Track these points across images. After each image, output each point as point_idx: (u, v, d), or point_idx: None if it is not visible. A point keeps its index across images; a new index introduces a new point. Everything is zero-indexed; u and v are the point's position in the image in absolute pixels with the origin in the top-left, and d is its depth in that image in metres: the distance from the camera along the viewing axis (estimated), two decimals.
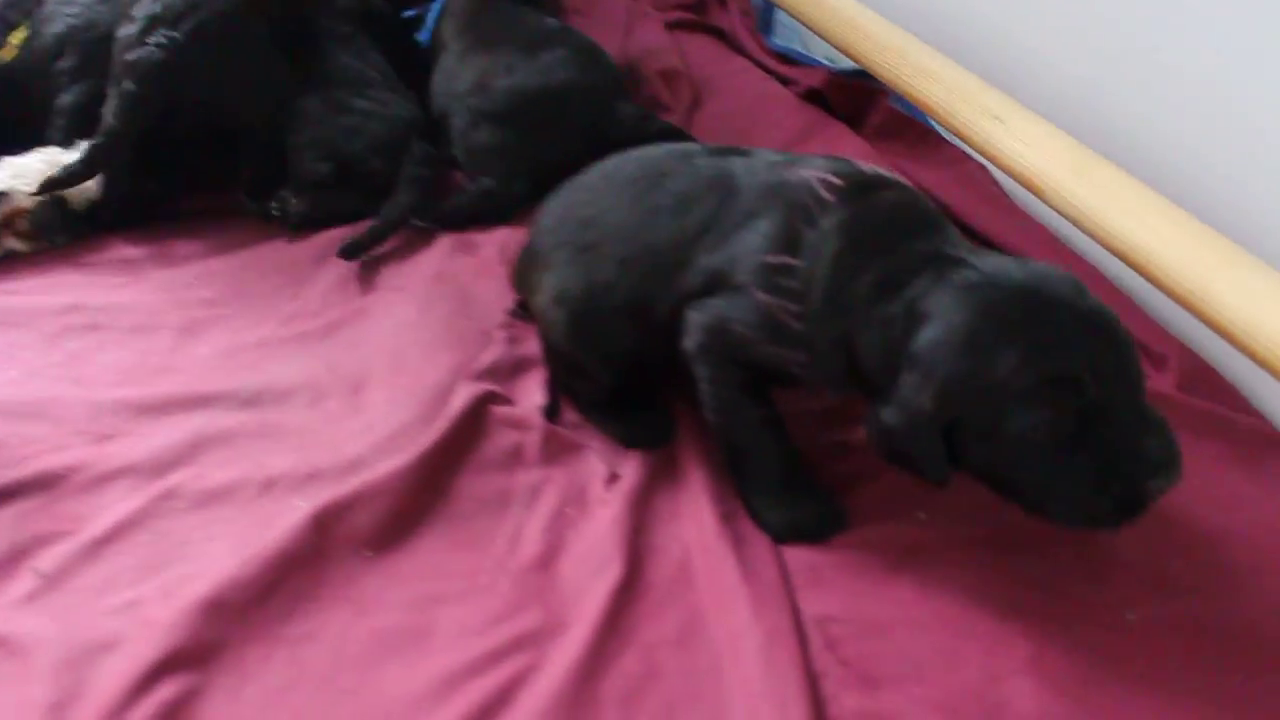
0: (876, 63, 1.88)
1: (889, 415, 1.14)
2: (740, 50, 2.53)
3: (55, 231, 1.85)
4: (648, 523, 1.29)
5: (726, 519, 1.27)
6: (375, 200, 1.89)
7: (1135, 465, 1.08)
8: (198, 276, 1.82)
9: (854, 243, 1.21)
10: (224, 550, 1.27)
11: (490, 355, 1.56)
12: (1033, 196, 1.52)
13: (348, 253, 1.80)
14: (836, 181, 1.26)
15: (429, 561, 1.26)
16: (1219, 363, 1.49)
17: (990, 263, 1.16)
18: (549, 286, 1.45)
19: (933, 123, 2.08)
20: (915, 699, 1.07)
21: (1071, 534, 1.18)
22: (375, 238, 1.82)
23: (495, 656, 1.14)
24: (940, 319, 1.11)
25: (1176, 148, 1.49)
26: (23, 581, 1.25)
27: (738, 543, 1.24)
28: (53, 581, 1.24)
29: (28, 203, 1.82)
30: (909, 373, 1.12)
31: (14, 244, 1.83)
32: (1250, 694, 1.06)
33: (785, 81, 2.32)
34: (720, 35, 2.61)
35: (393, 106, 2.03)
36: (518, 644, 1.15)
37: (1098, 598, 1.16)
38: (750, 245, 1.27)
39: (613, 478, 1.36)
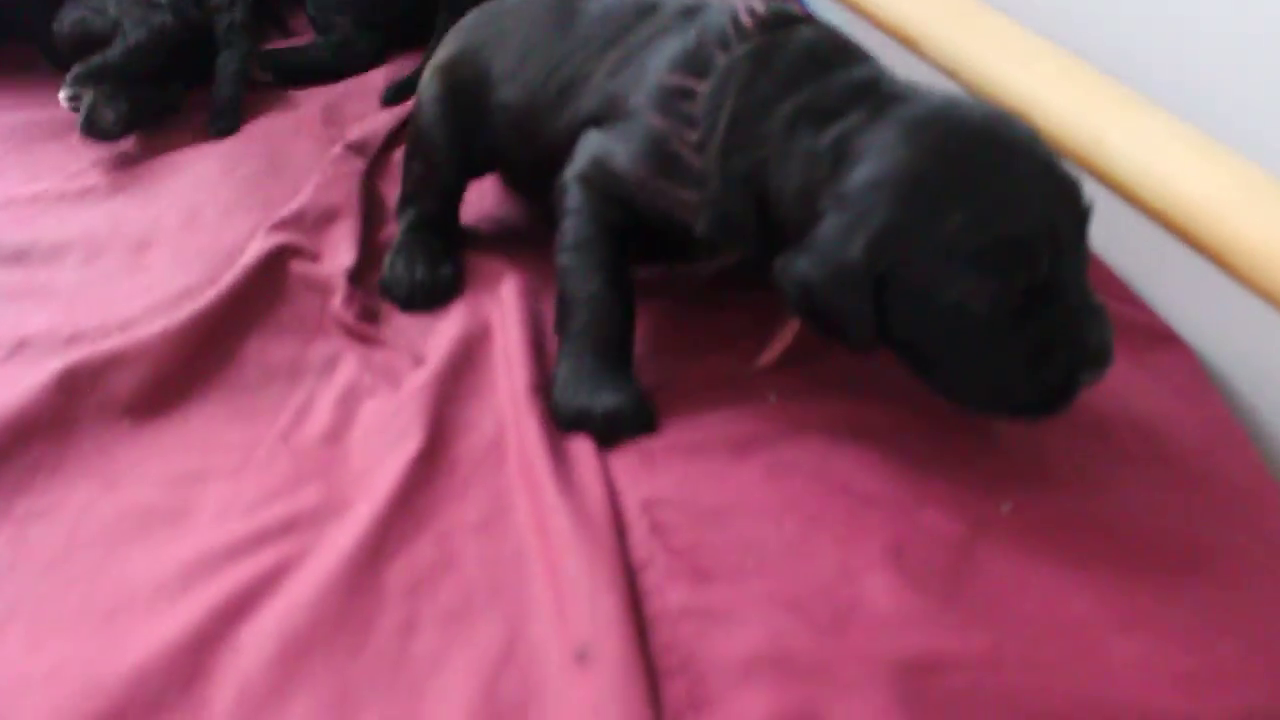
0: None
1: (808, 265, 0.96)
2: None
3: None
4: (458, 393, 1.12)
5: (541, 390, 1.11)
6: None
7: (1073, 353, 0.93)
8: None
9: (769, 71, 1.05)
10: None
11: (297, 203, 1.36)
12: (911, 54, 1.36)
13: (221, 131, 1.60)
14: (760, 10, 1.10)
15: (198, 433, 1.08)
16: (1108, 256, 1.36)
17: (940, 98, 0.99)
18: (437, 56, 1.33)
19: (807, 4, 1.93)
20: (754, 594, 0.90)
21: (949, 419, 1.03)
22: (233, 104, 1.62)
23: (261, 538, 0.95)
24: (880, 157, 0.94)
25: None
26: None
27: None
28: None
29: None
30: (836, 215, 0.95)
31: None
32: (1127, 589, 0.92)
33: None
34: None
35: None
36: (290, 525, 0.97)
37: (967, 488, 1.00)
38: (652, 66, 1.11)
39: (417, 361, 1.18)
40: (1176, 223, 0.98)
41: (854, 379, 1.12)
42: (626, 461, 1.03)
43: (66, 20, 1.68)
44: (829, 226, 0.95)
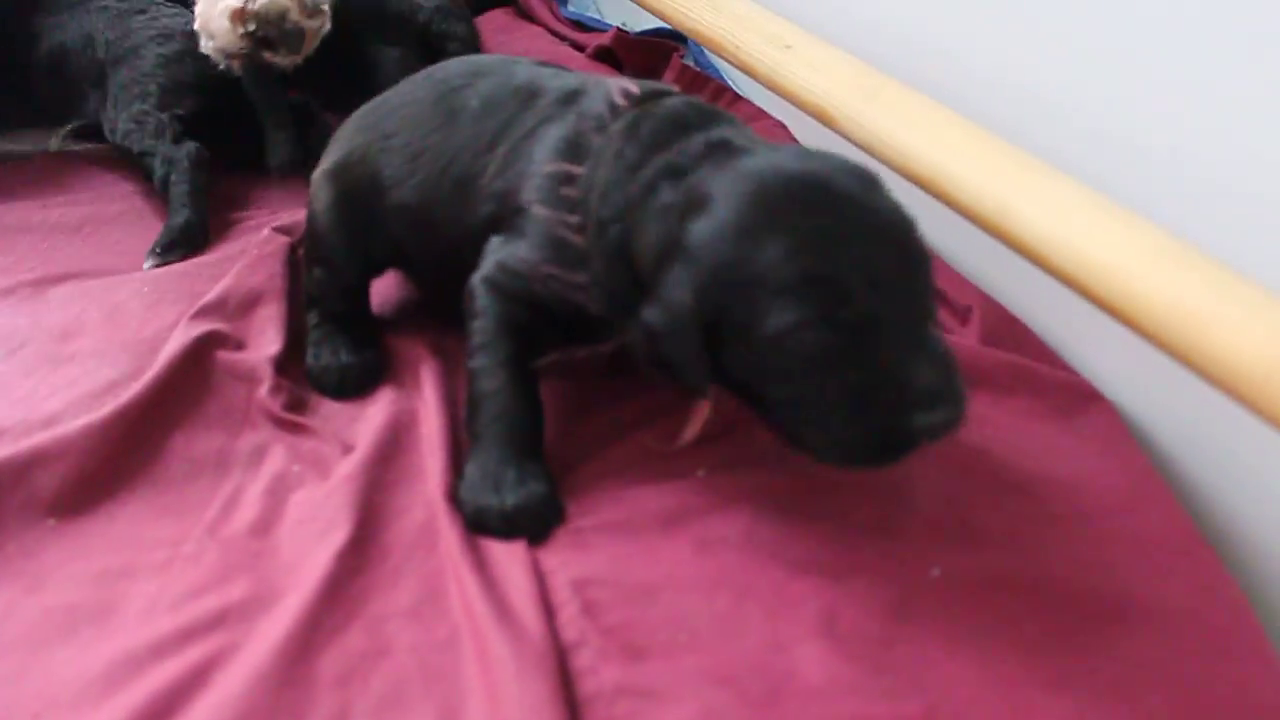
0: (664, 4, 1.74)
1: (651, 314, 0.98)
2: (531, 18, 2.41)
3: None
4: (387, 480, 1.11)
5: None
6: None
7: (898, 394, 0.91)
8: None
9: (636, 139, 1.07)
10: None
11: (221, 287, 1.36)
12: (824, 129, 1.38)
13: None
14: (634, 90, 1.13)
15: (124, 530, 1.07)
16: (1030, 319, 1.38)
17: (778, 151, 1.01)
18: (326, 160, 1.33)
19: (728, 80, 1.96)
20: (687, 670, 0.90)
21: (868, 482, 1.04)
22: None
23: (189, 634, 0.94)
24: (713, 206, 0.96)
25: (973, 69, 1.39)
26: None
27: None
28: None
29: None
30: (678, 265, 0.96)
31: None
32: (1057, 647, 0.93)
33: (579, 48, 2.19)
34: (513, 5, 2.49)
35: None
36: (219, 619, 0.96)
37: (896, 552, 1.01)
38: (537, 156, 1.13)
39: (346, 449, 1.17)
40: (1084, 286, 1.00)
41: (782, 449, 1.13)
42: (556, 542, 1.03)
43: None
44: (669, 276, 0.97)
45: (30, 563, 1.02)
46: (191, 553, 1.03)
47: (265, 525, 1.07)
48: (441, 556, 1.02)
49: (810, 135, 1.57)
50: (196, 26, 1.71)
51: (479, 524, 1.05)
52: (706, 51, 2.03)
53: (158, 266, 1.50)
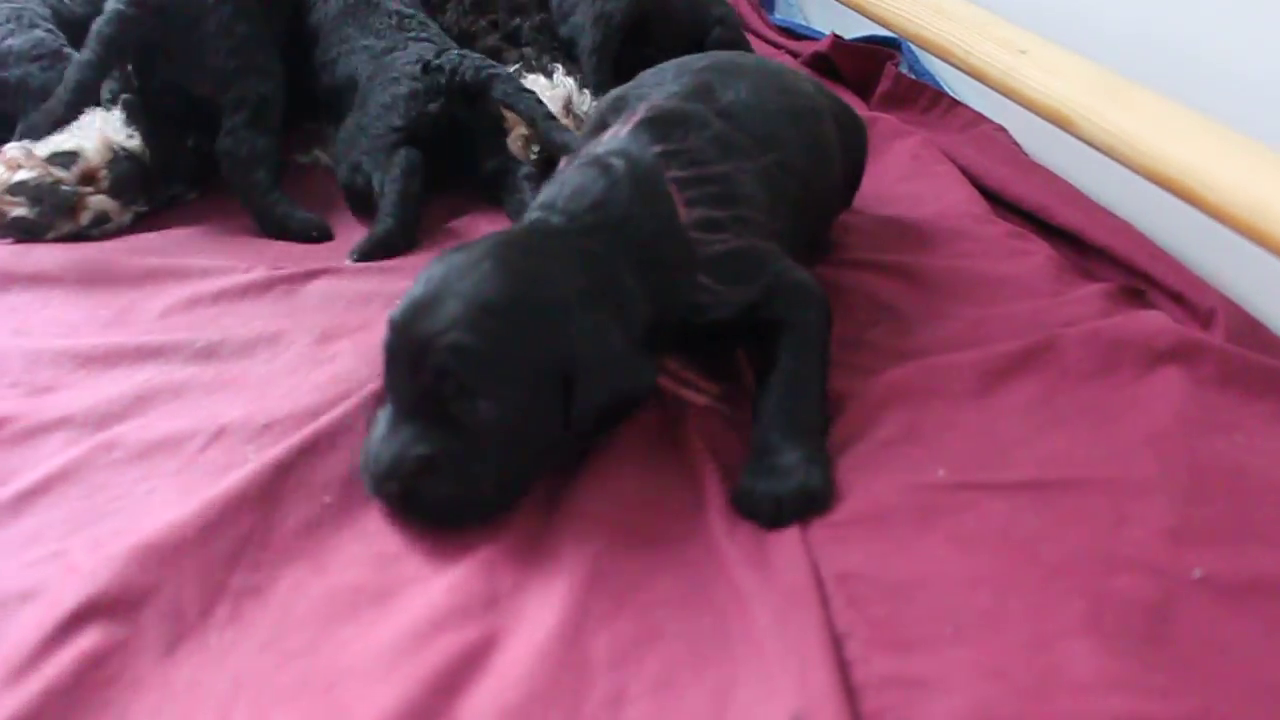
0: (885, 9, 1.75)
1: None
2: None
3: (135, 190, 1.71)
4: (653, 474, 1.15)
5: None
6: None
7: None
8: (159, 234, 1.69)
9: None
10: (164, 502, 1.12)
11: None
12: (1061, 132, 1.38)
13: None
14: None
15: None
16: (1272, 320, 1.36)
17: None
18: None
19: (944, 85, 1.97)
20: (955, 662, 0.91)
21: (1122, 478, 1.05)
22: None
23: (466, 614, 0.98)
24: None
25: (1218, 75, 1.37)
26: None
27: None
28: None
29: (99, 159, 1.67)
30: None
31: (104, 202, 1.67)
32: None
33: (793, 55, 2.21)
34: None
35: None
36: (490, 602, 1.00)
37: (1155, 553, 1.01)
38: None
39: None
40: None
41: (1027, 445, 1.14)
42: (814, 536, 1.06)
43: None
44: None
45: (312, 543, 1.08)
46: (460, 541, 1.08)
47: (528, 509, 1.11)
48: (708, 544, 1.05)
49: (1043, 139, 1.57)
50: None
51: (750, 509, 1.09)
52: (920, 57, 2.04)
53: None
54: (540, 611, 0.99)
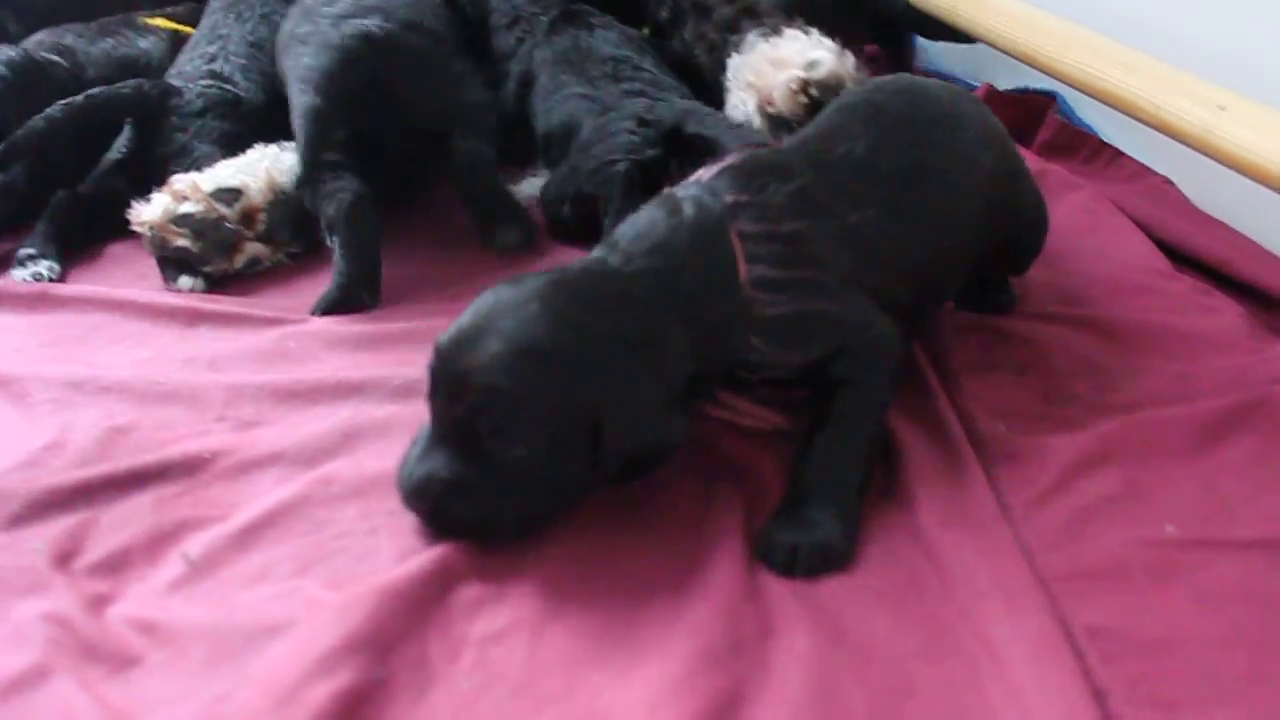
0: (1060, 61, 1.75)
1: None
2: None
3: (290, 234, 1.73)
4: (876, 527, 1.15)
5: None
6: None
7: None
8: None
9: None
10: (388, 541, 1.14)
11: None
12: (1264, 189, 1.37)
13: None
14: None
15: (629, 566, 1.11)
16: None
17: None
18: None
19: (1106, 136, 1.96)
20: None
21: None
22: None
23: (712, 660, 0.98)
24: None
25: None
26: (169, 568, 1.13)
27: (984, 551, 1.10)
28: (202, 568, 1.12)
29: (261, 200, 1.70)
30: None
31: (257, 248, 1.70)
32: None
33: None
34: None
35: None
36: (733, 648, 1.00)
37: None
38: None
39: None
40: None
41: (1252, 502, 1.13)
42: (1057, 589, 1.05)
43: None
44: None
45: (546, 584, 1.08)
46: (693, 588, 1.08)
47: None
48: (944, 594, 1.05)
49: (1238, 195, 1.55)
50: (740, 92, 1.80)
51: (765, 554, 1.11)
52: (1077, 107, 2.03)
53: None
54: (786, 663, 0.99)
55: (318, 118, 1.62)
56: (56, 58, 1.97)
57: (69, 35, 2.07)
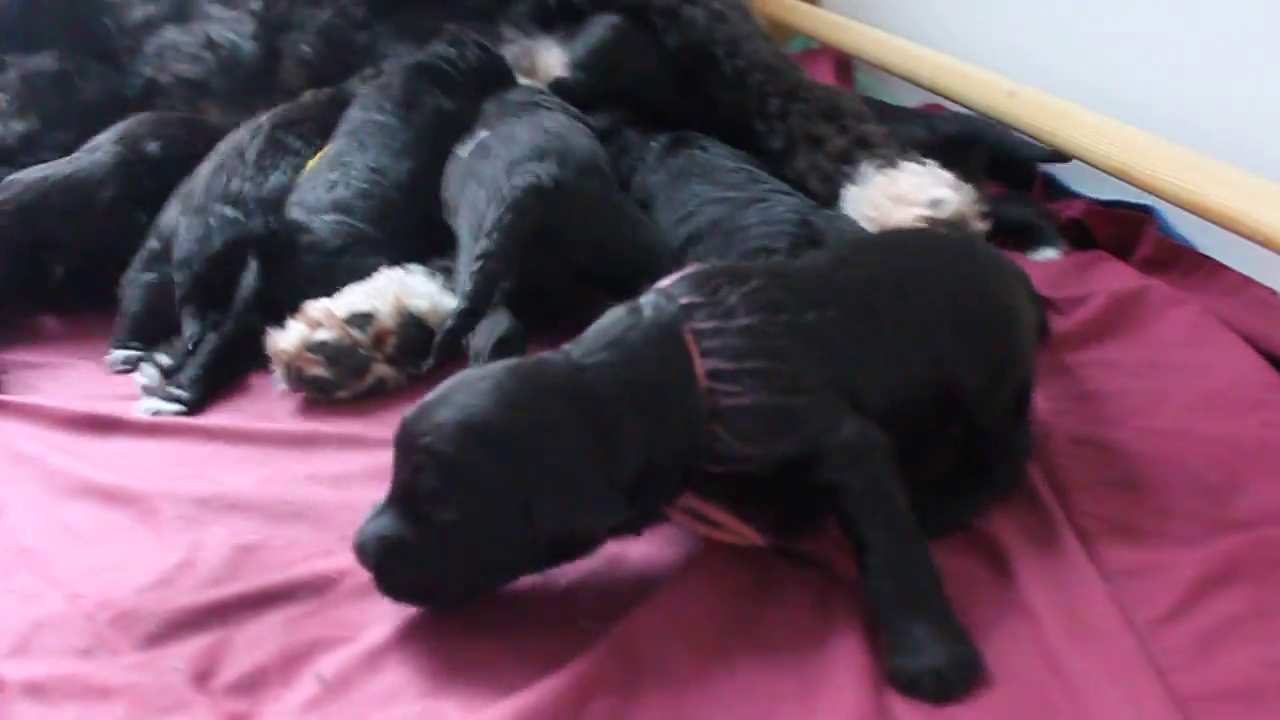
0: (1155, 176, 1.77)
1: None
2: None
3: (417, 356, 1.73)
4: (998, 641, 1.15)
5: None
6: None
7: None
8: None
9: None
10: (518, 658, 1.16)
11: None
12: None
13: None
14: None
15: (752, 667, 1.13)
16: None
17: None
18: None
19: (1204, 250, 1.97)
20: None
21: None
22: None
23: None
24: None
25: None
26: (303, 687, 1.14)
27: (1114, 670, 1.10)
28: (336, 688, 1.14)
29: (391, 323, 1.72)
30: None
31: (384, 370, 1.72)
32: None
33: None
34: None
35: None
36: None
37: None
38: None
39: None
40: None
41: None
42: (1189, 706, 1.05)
43: None
44: None
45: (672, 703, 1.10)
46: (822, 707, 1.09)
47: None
48: (1081, 713, 1.06)
49: None
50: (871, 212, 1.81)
51: (909, 687, 1.10)
52: (1173, 220, 2.05)
53: None
54: None
55: (485, 272, 1.59)
56: None
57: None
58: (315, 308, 1.71)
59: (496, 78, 2.15)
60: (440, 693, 1.13)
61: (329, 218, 1.85)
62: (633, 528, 1.22)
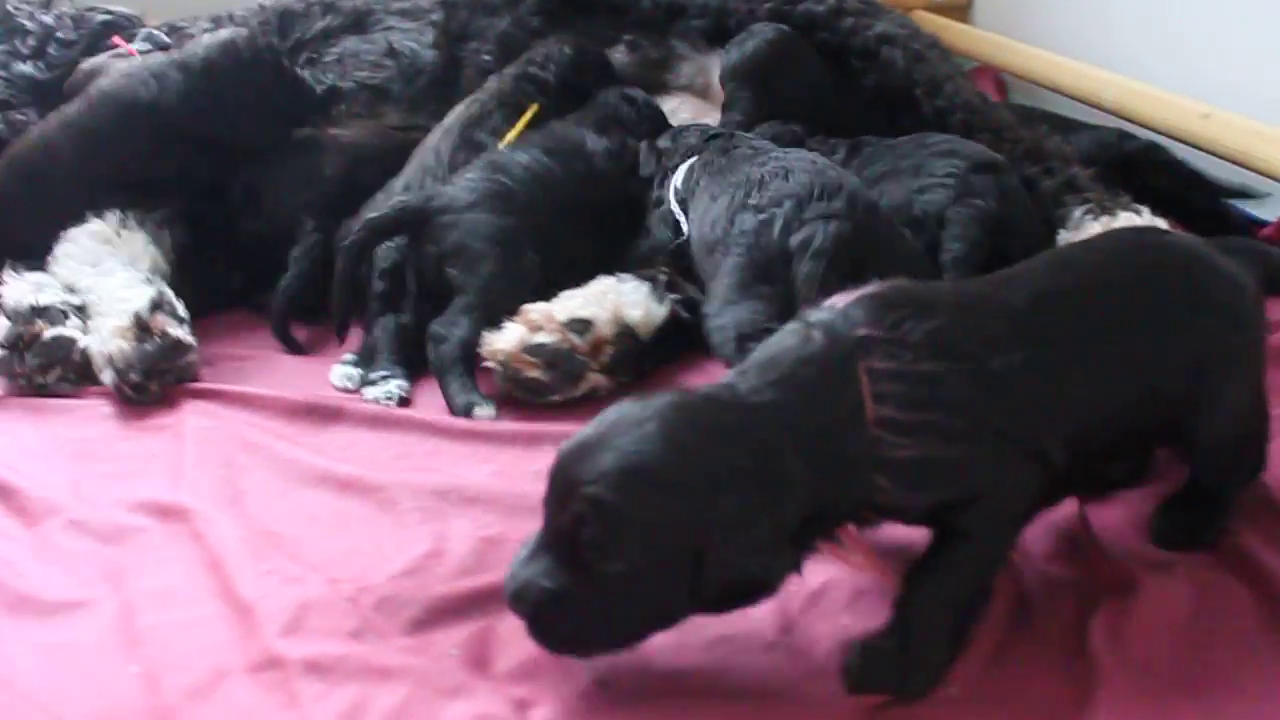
0: None
1: None
2: None
3: (629, 368, 1.75)
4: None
5: None
6: None
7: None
8: None
9: None
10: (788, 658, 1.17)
11: None
12: None
13: None
14: None
15: None
16: None
17: None
18: None
19: None
20: None
21: None
22: None
23: None
24: None
25: None
26: (576, 679, 1.14)
27: None
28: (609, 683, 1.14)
29: (608, 332, 1.72)
30: None
31: (598, 379, 1.71)
32: None
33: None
34: None
35: None
36: None
37: None
38: None
39: None
40: None
41: None
42: None
43: None
44: None
45: None
46: None
47: None
48: None
49: None
50: None
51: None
52: None
53: None
54: None
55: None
56: None
57: None
58: (536, 310, 1.71)
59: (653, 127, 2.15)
60: (718, 681, 1.12)
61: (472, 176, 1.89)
62: (795, 567, 1.12)
